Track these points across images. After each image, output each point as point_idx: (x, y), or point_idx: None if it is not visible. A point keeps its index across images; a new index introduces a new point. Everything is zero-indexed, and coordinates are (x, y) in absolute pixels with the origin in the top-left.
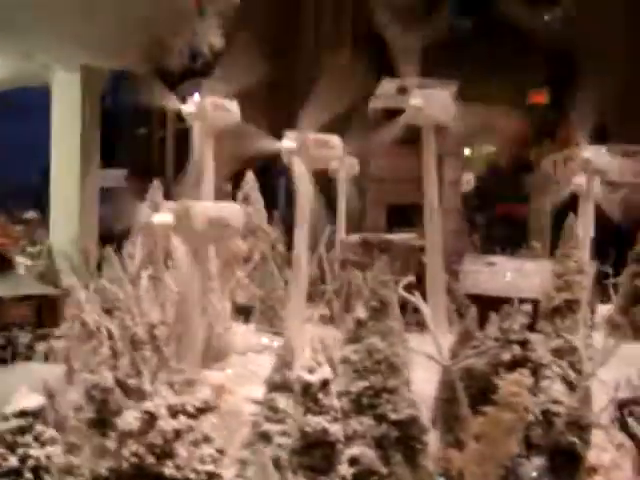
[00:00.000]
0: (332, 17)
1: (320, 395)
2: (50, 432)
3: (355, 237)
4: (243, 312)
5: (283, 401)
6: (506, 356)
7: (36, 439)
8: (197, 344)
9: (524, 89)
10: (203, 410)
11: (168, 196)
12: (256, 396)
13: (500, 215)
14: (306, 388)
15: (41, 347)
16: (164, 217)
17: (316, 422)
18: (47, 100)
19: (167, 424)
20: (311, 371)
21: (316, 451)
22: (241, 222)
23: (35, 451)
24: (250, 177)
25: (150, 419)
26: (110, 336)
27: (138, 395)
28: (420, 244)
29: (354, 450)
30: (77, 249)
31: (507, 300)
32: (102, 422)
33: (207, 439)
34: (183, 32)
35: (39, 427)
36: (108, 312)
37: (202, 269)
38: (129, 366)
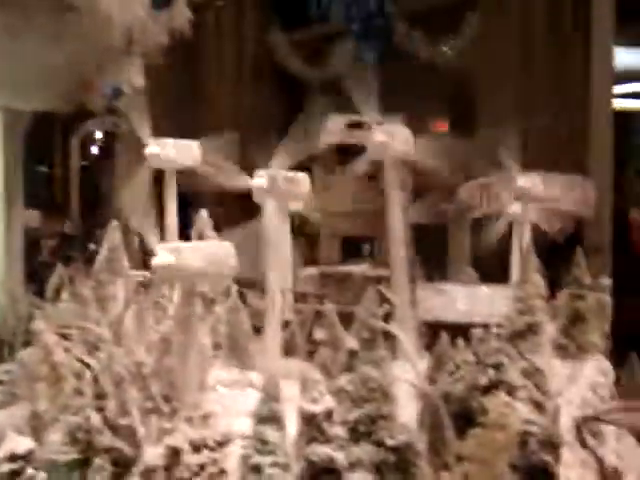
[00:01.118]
0: (233, 57)
1: (325, 425)
2: (41, 475)
3: (313, 270)
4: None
5: (272, 433)
6: (483, 380)
7: None
8: (193, 381)
9: (427, 118)
10: (223, 444)
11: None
12: (238, 430)
13: None
14: (310, 418)
15: None
16: (166, 258)
17: (322, 451)
18: None
19: (192, 458)
20: (314, 401)
21: (324, 478)
22: (235, 261)
23: None
24: (203, 214)
25: (174, 454)
26: (95, 378)
27: (129, 434)
28: (376, 274)
29: (356, 476)
30: (3, 293)
31: (461, 326)
32: (86, 462)
33: (223, 472)
34: (107, 71)
35: (30, 471)
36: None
37: (194, 308)
38: (117, 406)
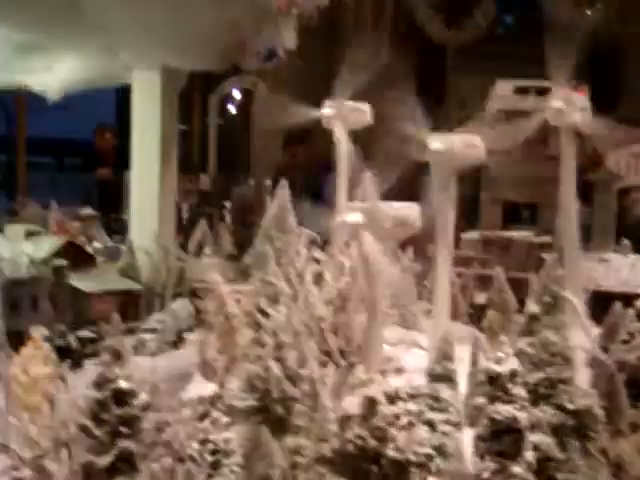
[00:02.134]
0: (372, 18)
1: (509, 385)
2: (225, 418)
3: (475, 234)
4: None
5: (446, 391)
6: None
7: (213, 424)
8: (381, 336)
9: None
10: (414, 396)
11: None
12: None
13: None
14: (495, 378)
15: (131, 340)
16: (356, 216)
17: (506, 410)
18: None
19: (387, 409)
20: (498, 362)
21: (505, 438)
22: (419, 221)
23: (214, 436)
24: (368, 174)
25: (370, 404)
26: (274, 332)
27: (308, 384)
28: (539, 241)
29: (535, 437)
30: (157, 246)
31: (625, 295)
32: (264, 409)
33: (413, 424)
34: (263, 33)
35: (215, 413)
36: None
37: (380, 266)
38: (297, 357)
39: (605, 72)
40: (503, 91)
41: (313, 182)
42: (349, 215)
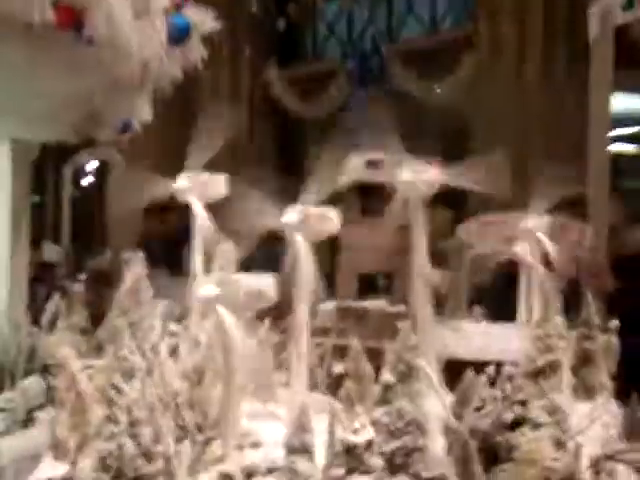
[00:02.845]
0: (229, 90)
1: (366, 455)
2: None
3: (331, 304)
4: None
5: (303, 463)
6: (508, 416)
7: None
8: (237, 410)
9: (421, 157)
10: (272, 470)
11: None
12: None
13: None
14: (352, 449)
15: None
16: (210, 289)
17: None
18: None
19: None
20: (355, 432)
21: None
22: (274, 292)
23: None
24: (228, 245)
25: None
26: (129, 408)
27: (163, 461)
28: (394, 310)
29: None
30: (7, 322)
31: (477, 363)
32: None
33: None
34: (119, 105)
35: None
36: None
37: (234, 339)
38: (152, 434)
39: (457, 147)
40: (355, 164)
41: (173, 251)
42: (203, 287)
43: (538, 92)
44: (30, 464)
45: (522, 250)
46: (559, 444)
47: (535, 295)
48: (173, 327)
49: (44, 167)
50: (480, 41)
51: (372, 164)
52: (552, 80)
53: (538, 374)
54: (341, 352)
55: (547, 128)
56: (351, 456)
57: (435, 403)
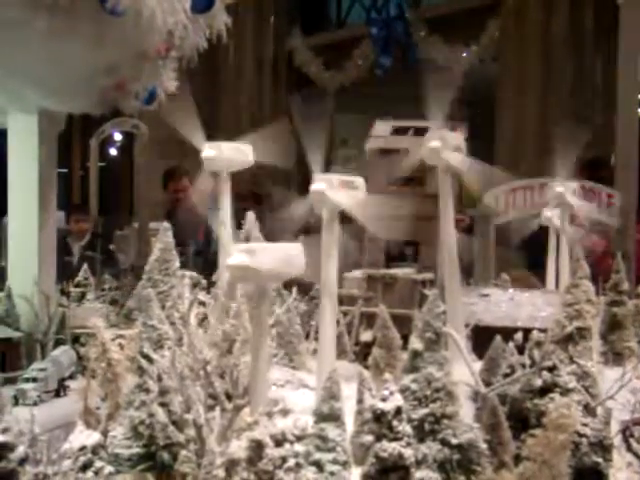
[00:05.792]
0: (253, 60)
1: (394, 422)
2: (108, 468)
3: (358, 273)
4: None
5: (333, 430)
6: (537, 382)
7: (96, 474)
8: (266, 378)
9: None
10: (301, 437)
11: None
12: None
13: None
14: (380, 416)
15: (10, 391)
16: (240, 258)
17: (392, 447)
18: None
19: (274, 451)
20: (384, 399)
21: (392, 475)
22: (303, 262)
23: None
24: (251, 216)
25: (257, 447)
26: (159, 377)
27: (194, 429)
28: (421, 278)
29: (421, 473)
30: (37, 292)
31: (504, 329)
32: (150, 456)
33: (300, 465)
34: (144, 75)
35: (98, 463)
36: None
37: (265, 307)
38: (182, 402)
39: (482, 113)
40: (381, 131)
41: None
42: (233, 256)
43: (564, 56)
44: (62, 433)
45: (552, 215)
46: (588, 409)
47: (564, 261)
48: (202, 297)
49: (71, 139)
50: (505, 5)
51: (399, 131)
52: (578, 43)
53: (567, 340)
54: (369, 320)
55: (574, 91)
56: (380, 423)
57: (463, 370)
